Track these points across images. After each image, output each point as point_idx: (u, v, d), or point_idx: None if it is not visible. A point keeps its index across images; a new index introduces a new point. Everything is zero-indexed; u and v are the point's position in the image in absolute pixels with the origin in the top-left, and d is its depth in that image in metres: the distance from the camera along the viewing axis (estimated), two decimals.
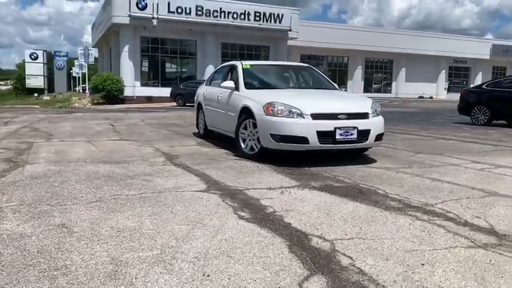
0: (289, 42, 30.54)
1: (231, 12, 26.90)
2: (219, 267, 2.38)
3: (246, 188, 4.30)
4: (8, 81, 76.36)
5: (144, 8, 24.94)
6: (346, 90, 36.97)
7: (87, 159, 5.90)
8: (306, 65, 7.86)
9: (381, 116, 6.02)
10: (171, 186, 4.33)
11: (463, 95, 13.42)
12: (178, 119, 14.13)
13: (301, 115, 5.45)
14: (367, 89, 38.88)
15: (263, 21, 27.76)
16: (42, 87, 35.69)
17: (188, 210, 3.48)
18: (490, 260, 2.54)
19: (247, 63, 7.28)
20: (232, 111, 6.63)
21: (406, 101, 33.33)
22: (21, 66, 45.42)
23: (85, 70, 40.29)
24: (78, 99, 27.97)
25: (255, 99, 5.98)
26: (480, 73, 41.43)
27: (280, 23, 28.20)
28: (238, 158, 6.13)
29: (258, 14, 27.54)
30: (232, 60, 29.40)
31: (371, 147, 6.31)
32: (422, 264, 2.46)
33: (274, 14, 27.89)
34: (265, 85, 6.92)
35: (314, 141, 5.39)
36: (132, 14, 24.76)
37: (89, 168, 5.26)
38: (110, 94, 24.61)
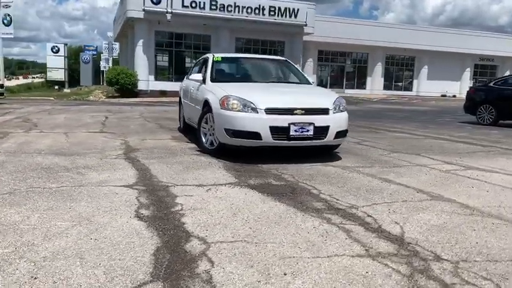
0: (306, 38, 30.07)
1: (245, 7, 26.64)
2: (58, 269, 2.20)
3: (175, 184, 4.11)
4: (43, 74, 78.48)
5: (159, 2, 24.95)
6: (365, 88, 36.25)
7: (44, 151, 5.82)
8: (282, 58, 7.56)
9: (345, 112, 5.71)
10: (99, 180, 4.18)
11: (470, 93, 12.83)
12: (177, 113, 14.01)
13: (255, 109, 5.21)
14: (387, 86, 37.96)
15: (278, 15, 27.38)
16: (63, 79, 36.48)
17: (90, 206, 3.31)
18: (367, 272, 2.27)
19: (220, 55, 7.08)
20: (198, 104, 6.46)
21: (426, 99, 32.37)
22: None
23: (110, 64, 40.90)
24: (101, 92, 28.40)
25: (215, 92, 5.78)
26: (508, 71, 39.73)
27: (295, 17, 27.75)
28: (198, 153, 5.95)
29: (272, 9, 27.18)
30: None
31: (339, 145, 6.02)
32: (285, 274, 2.22)
33: (289, 9, 27.47)
34: (231, 78, 6.71)
35: (267, 137, 5.15)
36: (146, 8, 24.83)
37: (35, 159, 5.17)
38: (124, 88, 24.80)
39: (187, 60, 28.78)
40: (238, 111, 5.26)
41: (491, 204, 3.67)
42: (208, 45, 28.05)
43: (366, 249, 2.58)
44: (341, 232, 2.87)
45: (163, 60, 28.23)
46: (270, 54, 28.67)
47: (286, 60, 7.34)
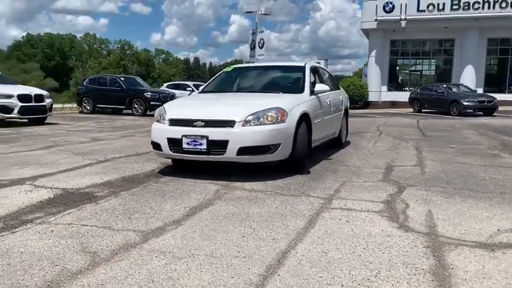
0: None
1: (497, 1, 22.44)
2: None
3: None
4: None
5: (391, 10, 24.09)
6: None
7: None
8: (300, 65, 6.55)
9: (269, 125, 4.76)
10: None
11: None
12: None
13: (164, 120, 5.15)
14: None
15: None
16: None
17: None
18: None
19: (234, 66, 7.00)
20: None
21: None
22: None
23: None
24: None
25: None
26: None
27: None
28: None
29: None
30: (499, 58, 24.38)
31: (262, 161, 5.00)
32: None
33: None
34: (217, 89, 6.48)
35: (166, 149, 5.01)
36: (378, 18, 24.40)
37: None
38: (352, 99, 25.12)
39: (425, 67, 26.48)
40: (157, 121, 5.30)
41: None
42: (451, 50, 25.11)
43: None
44: None
45: (397, 69, 26.91)
46: None
47: (299, 67, 6.41)
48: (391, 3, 24.04)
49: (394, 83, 26.73)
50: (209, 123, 4.79)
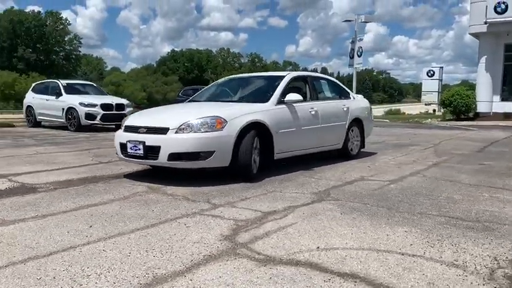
0: None
1: None
2: None
3: None
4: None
5: (504, 11, 21.46)
6: None
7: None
8: (280, 74, 6.47)
9: (202, 133, 4.96)
10: None
11: None
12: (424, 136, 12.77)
13: (123, 126, 5.70)
14: None
15: None
16: (436, 102, 36.06)
17: None
18: None
19: (230, 76, 7.31)
20: None
21: None
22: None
23: None
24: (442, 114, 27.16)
25: None
26: None
27: None
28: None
29: None
30: None
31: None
32: None
33: None
34: (199, 98, 6.83)
35: (119, 152, 5.55)
36: (488, 20, 21.93)
37: None
38: (457, 110, 23.01)
39: None
40: (120, 128, 5.85)
41: None
42: None
43: None
44: None
45: None
46: None
47: (279, 77, 6.39)
48: (503, 3, 21.43)
49: (508, 93, 23.67)
50: (149, 130, 5.20)
